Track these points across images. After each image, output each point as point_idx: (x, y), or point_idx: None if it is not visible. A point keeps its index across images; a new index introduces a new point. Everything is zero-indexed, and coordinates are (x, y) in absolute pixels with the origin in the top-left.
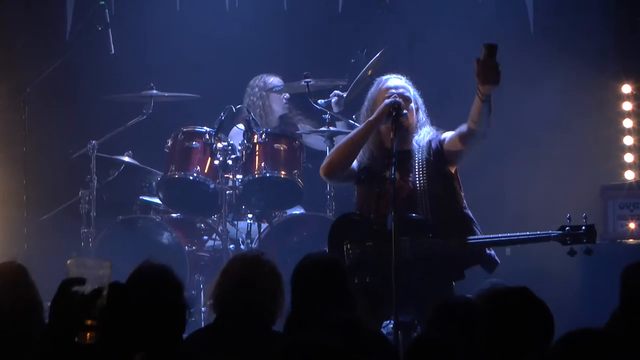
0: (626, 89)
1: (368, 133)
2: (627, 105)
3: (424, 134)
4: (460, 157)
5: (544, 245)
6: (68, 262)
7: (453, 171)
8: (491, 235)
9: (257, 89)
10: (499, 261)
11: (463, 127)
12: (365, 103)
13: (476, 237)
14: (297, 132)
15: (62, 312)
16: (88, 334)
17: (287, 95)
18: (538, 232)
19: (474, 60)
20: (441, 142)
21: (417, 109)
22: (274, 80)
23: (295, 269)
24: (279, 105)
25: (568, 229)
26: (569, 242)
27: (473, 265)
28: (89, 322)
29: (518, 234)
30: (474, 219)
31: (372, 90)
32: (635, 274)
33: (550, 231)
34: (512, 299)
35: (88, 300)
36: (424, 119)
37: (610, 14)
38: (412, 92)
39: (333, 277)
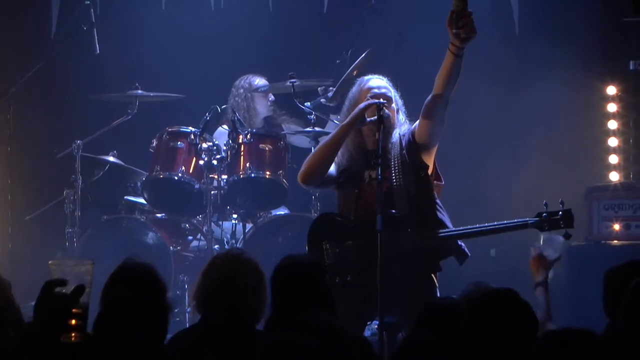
0: (611, 90)
1: (344, 136)
2: (612, 107)
3: (397, 131)
4: (431, 137)
5: (528, 245)
6: (50, 262)
7: (430, 163)
8: (467, 227)
9: (242, 90)
10: (469, 253)
11: (427, 100)
12: (346, 103)
13: (451, 229)
14: (282, 132)
15: (46, 313)
16: (72, 334)
17: (272, 97)
18: (515, 220)
19: (449, 12)
20: (412, 133)
21: (397, 110)
22: (259, 80)
23: (275, 270)
24: (263, 106)
25: (545, 215)
26: (546, 227)
27: (447, 257)
28: (73, 321)
29: (494, 223)
30: (444, 211)
31: (354, 90)
32: (619, 279)
33: (527, 218)
34: (497, 301)
35: (71, 300)
36: (403, 120)
37: (596, 16)
38: (392, 92)
39: (312, 278)
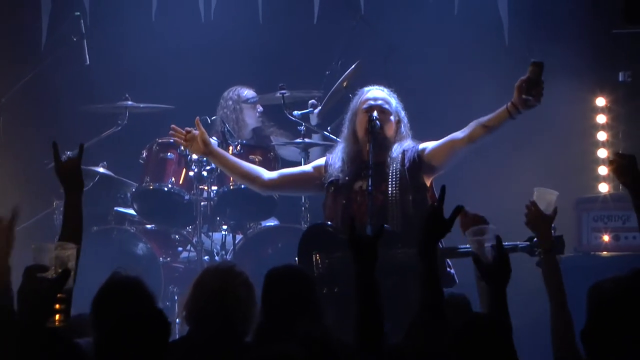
0: (600, 101)
1: (219, 165)
2: (601, 118)
3: (399, 145)
4: (442, 166)
5: (515, 257)
6: (32, 246)
7: (428, 183)
8: (455, 246)
9: (230, 102)
10: (457, 281)
11: (458, 135)
12: (348, 113)
13: (451, 247)
14: (272, 143)
15: (30, 298)
16: (57, 316)
17: (260, 108)
18: (505, 243)
19: (521, 78)
20: (419, 152)
21: (397, 121)
22: (248, 92)
23: (265, 280)
24: (252, 118)
25: (536, 240)
26: (537, 253)
27: None
28: (57, 306)
29: None
30: None
31: (354, 101)
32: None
33: (517, 242)
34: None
35: (56, 285)
36: (405, 132)
37: (585, 27)
38: (394, 104)
39: (301, 288)
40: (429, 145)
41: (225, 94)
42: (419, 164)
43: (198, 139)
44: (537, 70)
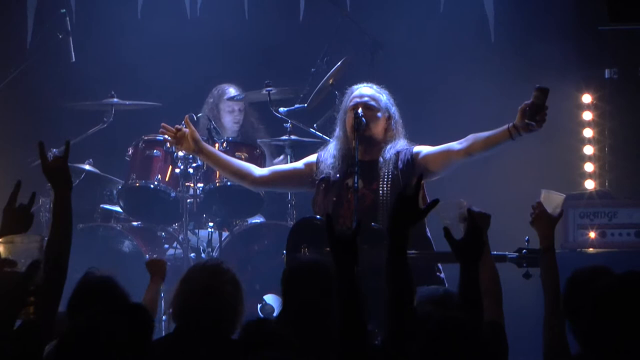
0: (586, 98)
1: (207, 161)
2: (587, 115)
3: (392, 145)
4: (435, 173)
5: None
6: None
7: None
8: (444, 251)
9: (212, 99)
10: (447, 286)
11: (455, 146)
12: (340, 112)
13: (429, 252)
14: (259, 140)
15: (1, 292)
16: (30, 309)
17: (238, 107)
18: (493, 252)
19: (525, 102)
20: (413, 155)
21: (387, 118)
22: (231, 90)
23: (289, 271)
24: (229, 121)
25: (525, 252)
26: (525, 265)
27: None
28: (30, 298)
29: None
30: (431, 239)
31: (344, 99)
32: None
33: (506, 252)
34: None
35: (25, 277)
36: (396, 129)
37: (571, 24)
38: (383, 100)
39: (326, 282)
40: (424, 149)
41: (212, 90)
42: (412, 166)
43: (188, 137)
44: (542, 96)
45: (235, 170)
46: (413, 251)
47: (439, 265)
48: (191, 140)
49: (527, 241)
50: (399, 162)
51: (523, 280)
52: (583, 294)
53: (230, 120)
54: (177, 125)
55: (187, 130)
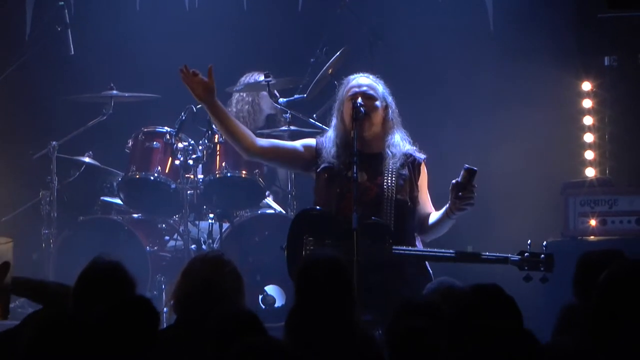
0: (586, 86)
1: (213, 118)
2: (587, 103)
3: (398, 141)
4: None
5: (504, 245)
6: None
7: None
8: (446, 250)
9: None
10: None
11: (428, 209)
12: (336, 102)
13: (436, 250)
14: (258, 130)
15: None
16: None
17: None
18: (496, 254)
19: (452, 182)
20: (420, 167)
21: (385, 107)
22: (260, 76)
23: (304, 267)
24: (267, 104)
25: (527, 255)
26: (526, 268)
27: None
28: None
29: (478, 253)
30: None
31: (340, 90)
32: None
33: (509, 254)
34: (483, 298)
35: None
36: (393, 118)
37: (571, 11)
38: (380, 90)
39: (341, 278)
40: (424, 178)
41: (242, 78)
42: (414, 174)
43: (201, 85)
44: (468, 176)
45: (237, 129)
46: (403, 247)
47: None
48: (204, 89)
49: (529, 244)
50: (408, 165)
51: (523, 283)
52: (594, 276)
53: (268, 104)
54: (194, 70)
55: (205, 78)
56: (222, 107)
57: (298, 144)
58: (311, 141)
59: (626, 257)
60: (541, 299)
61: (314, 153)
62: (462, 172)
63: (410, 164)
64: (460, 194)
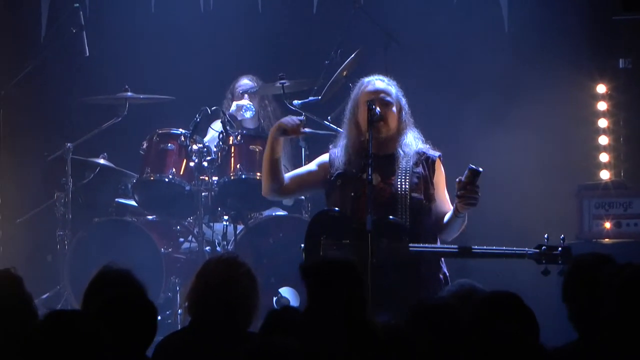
0: (601, 88)
1: (271, 149)
2: (602, 105)
3: (410, 140)
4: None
5: (519, 247)
6: None
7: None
8: (464, 247)
9: (228, 92)
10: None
11: (445, 207)
12: (349, 103)
13: (452, 246)
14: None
15: None
16: None
17: (244, 100)
18: (513, 249)
19: (456, 180)
20: (435, 164)
21: (399, 110)
22: (244, 83)
23: (313, 269)
24: (239, 114)
25: (544, 249)
26: (544, 261)
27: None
28: None
29: (494, 248)
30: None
31: (355, 91)
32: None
33: (526, 249)
34: (501, 307)
35: None
36: (407, 120)
37: (585, 13)
38: (394, 92)
39: (351, 279)
40: (440, 175)
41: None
42: (428, 172)
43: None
44: (471, 175)
45: (277, 170)
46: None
47: (443, 264)
48: (288, 130)
49: (547, 238)
50: (422, 163)
51: (541, 276)
52: (585, 281)
53: (239, 113)
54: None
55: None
56: (282, 145)
57: (313, 165)
58: (324, 157)
59: (615, 262)
60: (556, 299)
61: (328, 167)
62: (466, 172)
63: (424, 161)
64: (461, 192)
